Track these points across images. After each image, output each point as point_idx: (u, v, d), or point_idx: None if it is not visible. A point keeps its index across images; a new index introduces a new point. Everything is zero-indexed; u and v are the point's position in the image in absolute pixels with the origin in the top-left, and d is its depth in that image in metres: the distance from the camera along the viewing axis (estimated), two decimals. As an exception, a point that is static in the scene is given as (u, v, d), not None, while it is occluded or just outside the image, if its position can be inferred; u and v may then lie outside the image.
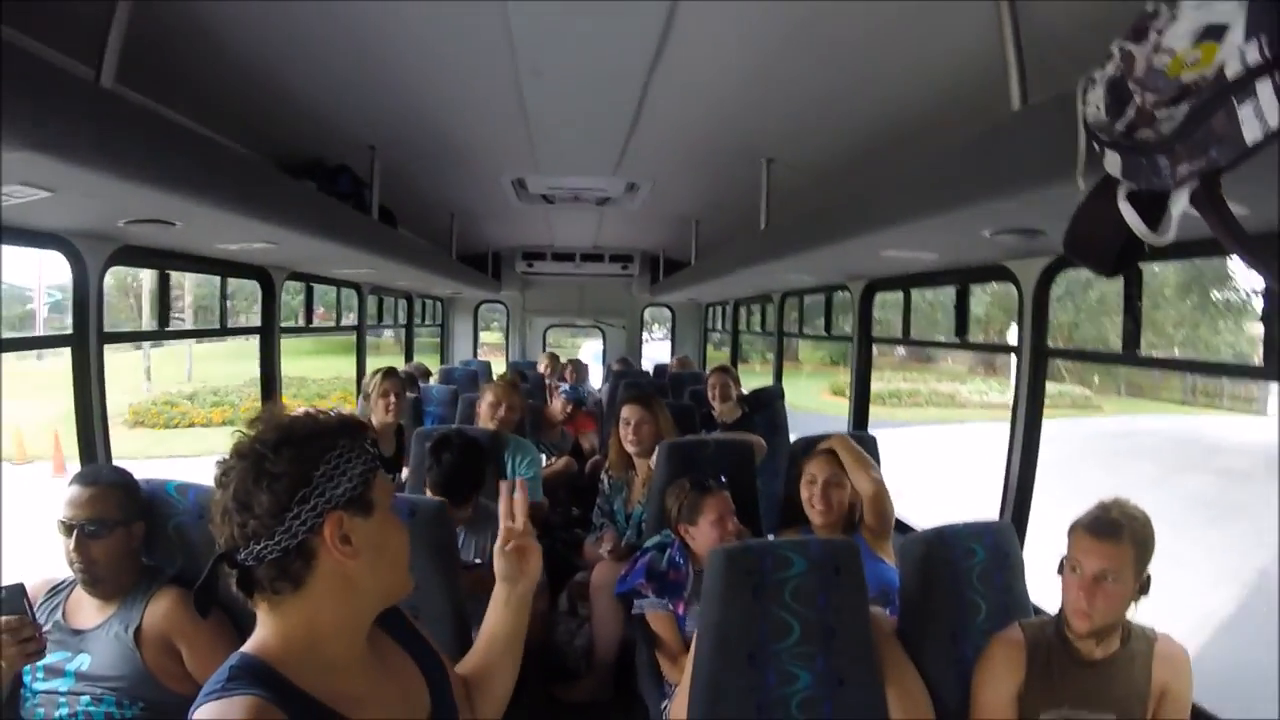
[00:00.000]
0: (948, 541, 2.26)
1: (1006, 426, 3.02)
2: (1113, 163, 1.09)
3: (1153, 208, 1.09)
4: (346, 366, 6.27)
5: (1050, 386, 3.00)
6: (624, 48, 2.41)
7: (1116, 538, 1.90)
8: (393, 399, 4.13)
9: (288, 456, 1.07)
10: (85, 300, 2.59)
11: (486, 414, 3.97)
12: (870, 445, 3.55)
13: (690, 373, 7.31)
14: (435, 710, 1.25)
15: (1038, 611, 2.39)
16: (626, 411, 3.79)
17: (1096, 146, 1.12)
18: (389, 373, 4.21)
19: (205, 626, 2.01)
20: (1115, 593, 1.90)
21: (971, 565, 2.26)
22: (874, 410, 4.50)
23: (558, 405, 5.79)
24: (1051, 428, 2.97)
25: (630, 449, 3.75)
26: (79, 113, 1.37)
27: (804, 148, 3.29)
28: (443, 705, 1.27)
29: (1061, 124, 1.22)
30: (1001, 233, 2.17)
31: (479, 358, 8.83)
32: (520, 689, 1.54)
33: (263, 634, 1.10)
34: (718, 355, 8.73)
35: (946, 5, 1.93)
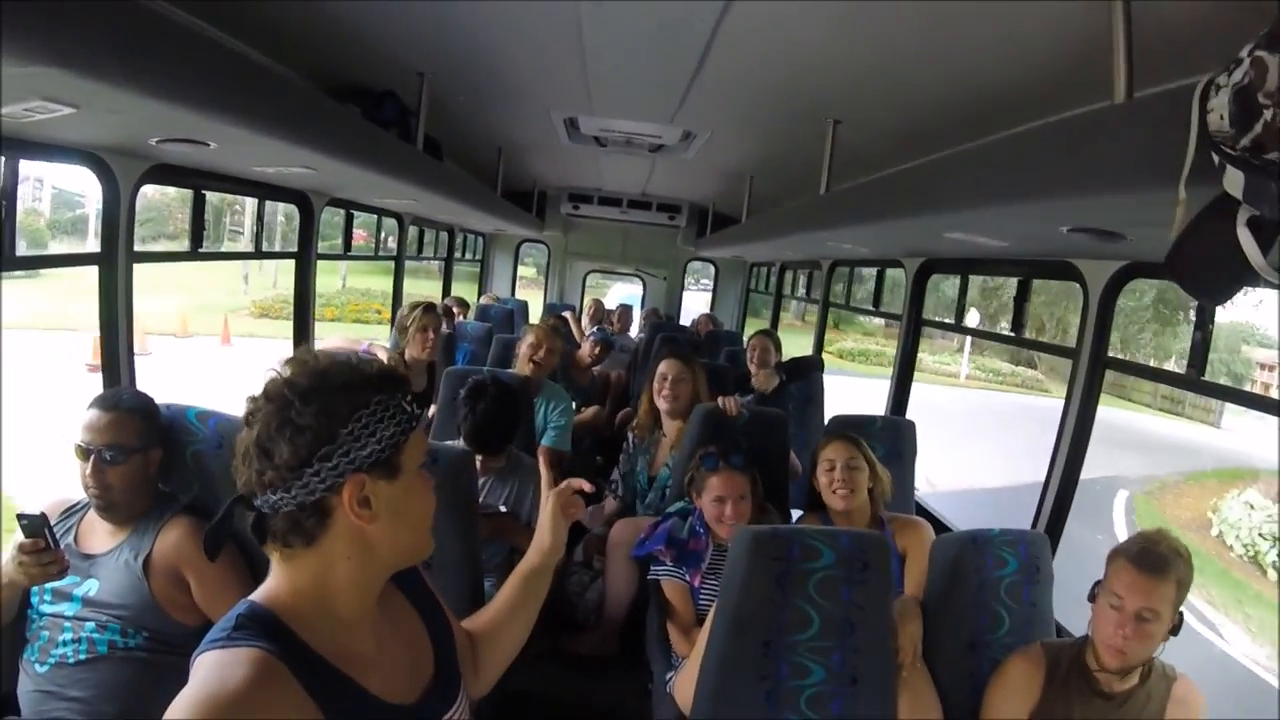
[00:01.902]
0: (981, 547, 2.20)
1: (932, 386, 2.91)
2: (1233, 181, 0.98)
3: (1267, 233, 0.99)
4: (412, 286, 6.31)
5: (1004, 366, 2.93)
6: None
7: (1163, 575, 1.83)
8: (430, 334, 4.11)
9: (314, 409, 1.03)
10: (115, 218, 2.52)
11: (525, 355, 3.92)
12: (909, 431, 3.45)
13: (727, 332, 7.19)
14: (437, 673, 1.23)
15: (1060, 631, 2.35)
16: (665, 366, 3.71)
17: (1216, 159, 1.02)
18: (428, 308, 4.18)
19: (224, 563, 1.99)
20: (1152, 632, 1.84)
21: (1002, 575, 2.21)
22: (837, 363, 4.47)
23: (586, 348, 5.76)
24: (995, 398, 2.94)
25: (662, 405, 3.69)
26: (103, 25, 1.28)
27: (875, 112, 3.09)
28: (445, 668, 1.25)
29: (1167, 124, 1.11)
30: (1079, 231, 2.02)
31: (516, 296, 8.77)
32: (528, 639, 1.52)
33: (273, 584, 1.07)
34: (755, 321, 8.60)
35: None
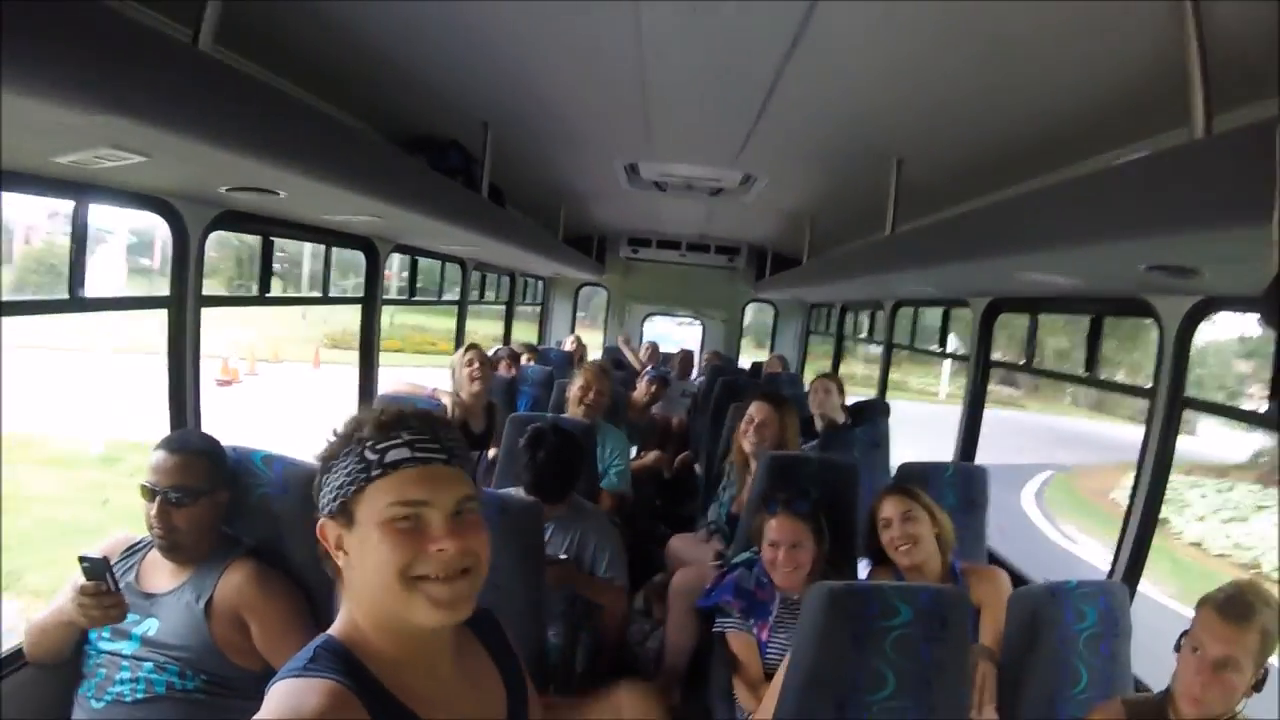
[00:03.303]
0: (1060, 600, 2.11)
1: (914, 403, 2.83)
2: None
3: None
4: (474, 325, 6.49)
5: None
6: (757, 38, 2.24)
7: (1245, 622, 1.74)
8: (477, 367, 4.14)
9: (324, 453, 1.10)
10: (185, 263, 2.55)
11: (576, 398, 3.95)
12: (980, 478, 3.33)
13: (788, 375, 7.11)
14: (510, 714, 1.22)
15: (1139, 686, 2.25)
16: (754, 408, 3.69)
17: None
18: (470, 347, 4.23)
19: (277, 603, 2.00)
20: (1232, 682, 1.75)
21: (1081, 629, 2.11)
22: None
23: (642, 387, 5.76)
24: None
25: (747, 446, 3.65)
26: (174, 76, 1.31)
27: (941, 150, 3.04)
28: (515, 706, 1.24)
29: (1251, 157, 1.07)
30: (1157, 269, 1.95)
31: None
32: (586, 685, 1.48)
33: (343, 616, 1.10)
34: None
35: (1125, 10, 1.69)
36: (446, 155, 3.49)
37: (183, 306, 2.57)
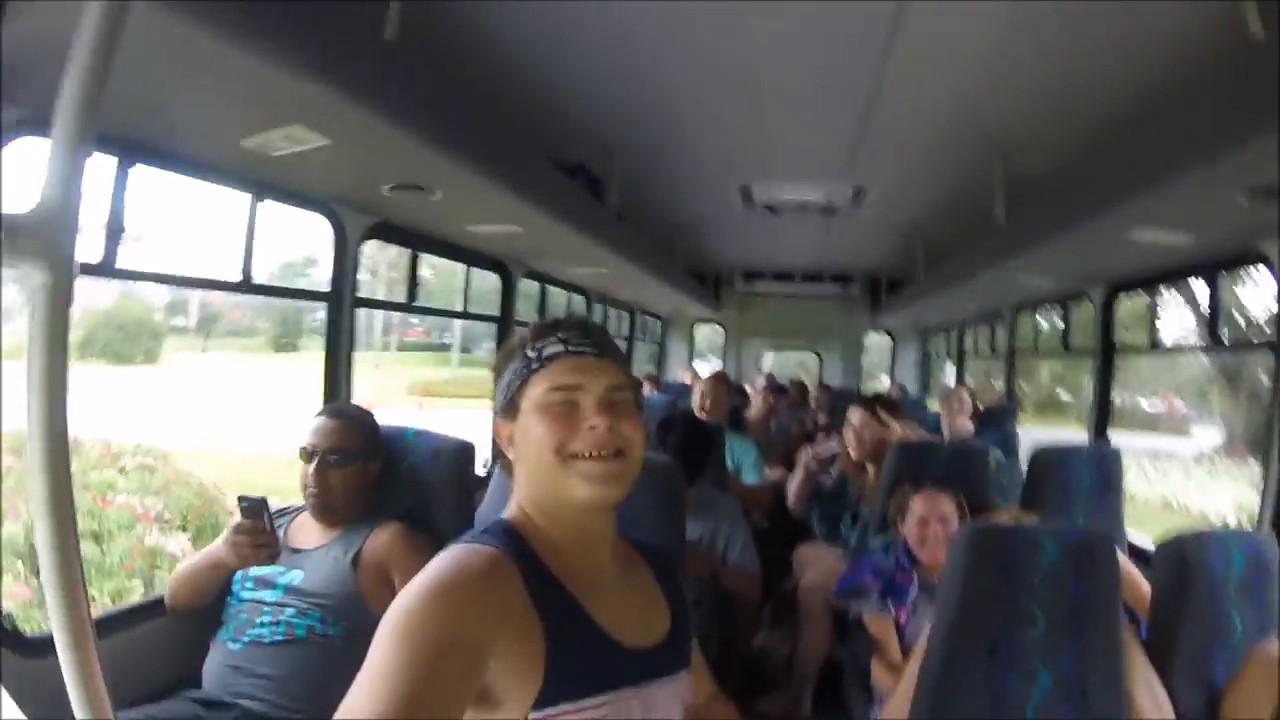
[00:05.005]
0: (1206, 546, 2.03)
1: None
2: None
3: None
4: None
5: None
6: (853, 38, 2.38)
7: None
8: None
9: (495, 364, 1.22)
10: (344, 265, 2.81)
11: (696, 405, 4.10)
12: (1115, 460, 3.26)
13: (909, 399, 7.05)
14: (670, 639, 1.22)
15: None
16: (851, 414, 3.70)
17: None
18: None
19: (423, 559, 2.08)
20: None
21: (1229, 575, 2.02)
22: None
23: (758, 400, 5.88)
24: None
25: (852, 453, 3.64)
26: (362, 60, 1.48)
27: (1043, 131, 3.09)
28: (679, 639, 1.24)
29: None
30: (1259, 193, 1.94)
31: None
32: (715, 677, 1.52)
33: (511, 506, 1.18)
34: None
35: None
36: (574, 176, 3.63)
37: (340, 302, 2.83)
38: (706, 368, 9.60)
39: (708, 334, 9.68)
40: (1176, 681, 1.96)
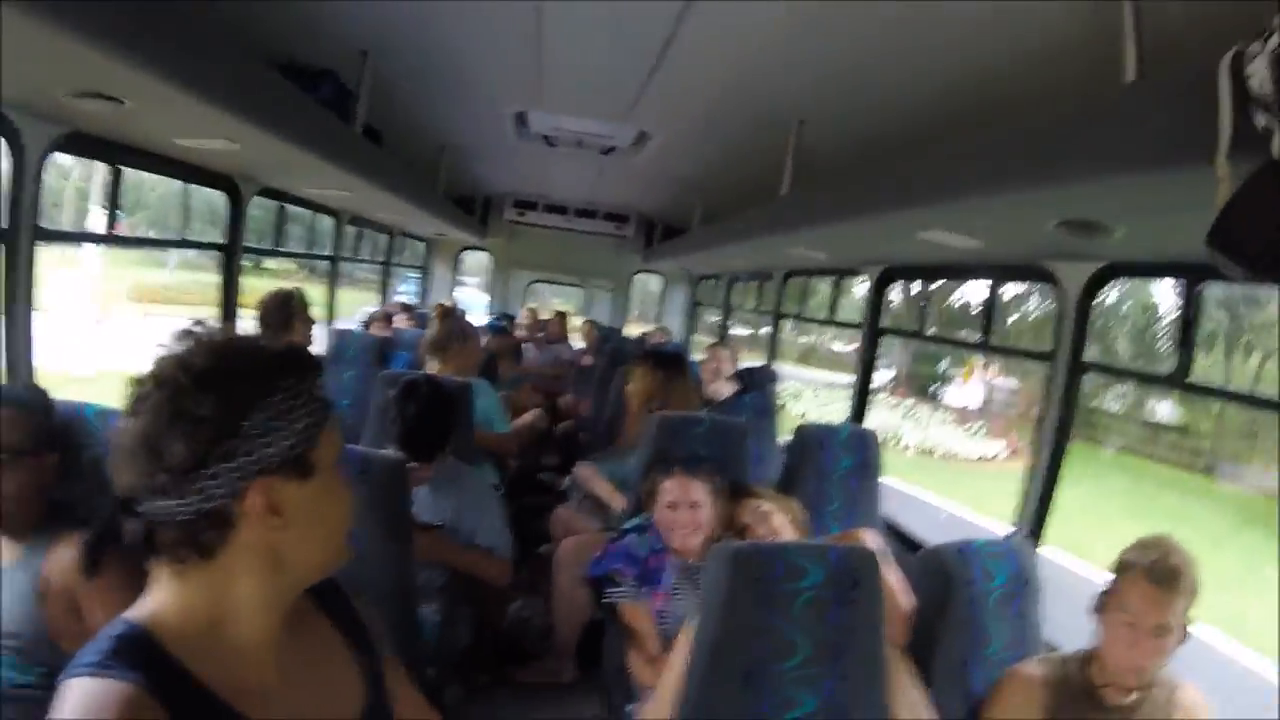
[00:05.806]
0: (969, 560, 2.09)
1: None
2: None
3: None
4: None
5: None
6: None
7: (1176, 587, 1.75)
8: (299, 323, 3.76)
9: (214, 396, 0.84)
10: (20, 189, 2.25)
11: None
12: (872, 441, 3.34)
13: (674, 346, 7.12)
14: (369, 710, 1.03)
15: (1049, 647, 2.22)
16: (637, 373, 3.75)
17: (1261, 124, 0.99)
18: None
19: (110, 582, 1.67)
20: (1168, 645, 1.77)
21: (990, 589, 2.09)
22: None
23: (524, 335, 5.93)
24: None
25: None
26: None
27: (842, 110, 3.00)
28: (377, 705, 1.05)
29: (1183, 101, 1.09)
30: (1069, 225, 1.94)
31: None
32: (473, 669, 1.31)
33: (158, 601, 0.88)
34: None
35: None
36: (318, 86, 3.12)
37: (15, 241, 2.26)
38: (473, 294, 9.18)
39: (481, 260, 9.31)
40: (936, 689, 2.01)
